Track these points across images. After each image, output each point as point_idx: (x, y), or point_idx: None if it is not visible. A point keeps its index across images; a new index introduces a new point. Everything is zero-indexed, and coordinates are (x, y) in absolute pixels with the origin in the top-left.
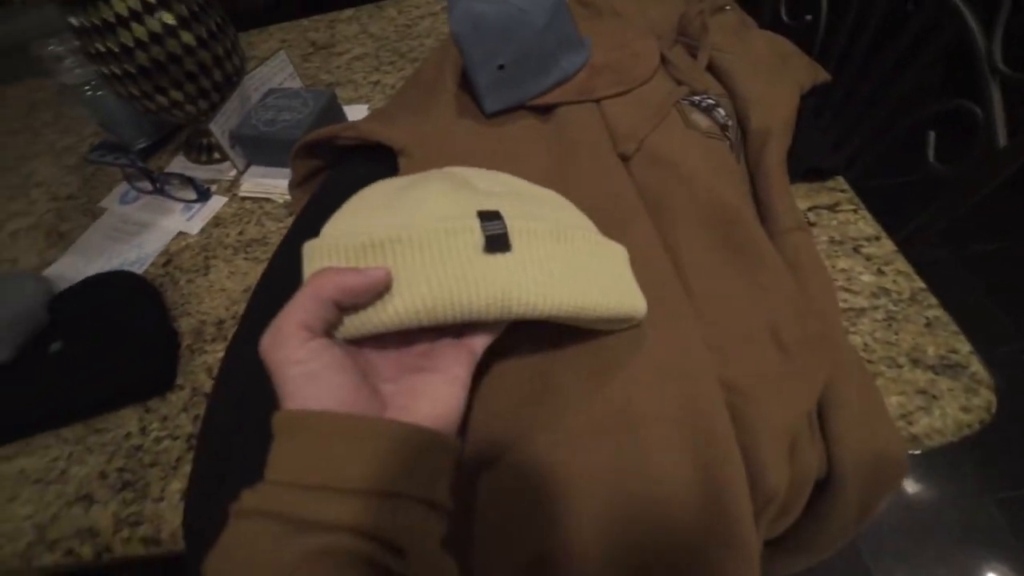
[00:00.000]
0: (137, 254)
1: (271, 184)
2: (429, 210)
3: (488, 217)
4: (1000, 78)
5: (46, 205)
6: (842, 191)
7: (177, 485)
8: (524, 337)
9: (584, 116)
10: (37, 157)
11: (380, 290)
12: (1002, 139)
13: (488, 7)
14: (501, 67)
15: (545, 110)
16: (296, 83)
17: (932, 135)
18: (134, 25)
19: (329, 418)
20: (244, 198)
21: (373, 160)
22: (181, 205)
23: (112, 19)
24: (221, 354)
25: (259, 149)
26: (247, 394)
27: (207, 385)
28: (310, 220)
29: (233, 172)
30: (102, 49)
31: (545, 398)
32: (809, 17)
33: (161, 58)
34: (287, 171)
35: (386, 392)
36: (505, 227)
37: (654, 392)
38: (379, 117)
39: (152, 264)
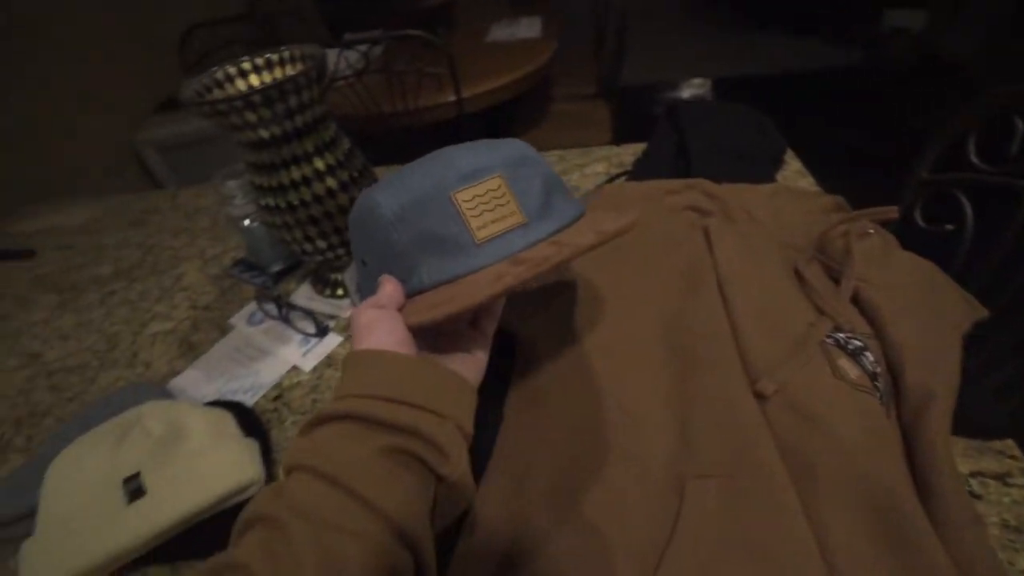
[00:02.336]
0: (252, 382)
1: None
2: (90, 482)
3: (129, 480)
4: None
5: (185, 312)
6: (1012, 457)
7: None
8: None
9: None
10: (188, 260)
11: None
12: None
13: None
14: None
15: None
16: None
17: None
18: (303, 188)
19: (393, 354)
20: None
21: None
22: (299, 336)
23: (287, 182)
24: None
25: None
26: None
27: None
28: None
29: (349, 312)
30: (273, 204)
31: None
32: (950, 227)
33: (317, 214)
34: None
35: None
36: (140, 483)
37: None
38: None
39: (264, 396)
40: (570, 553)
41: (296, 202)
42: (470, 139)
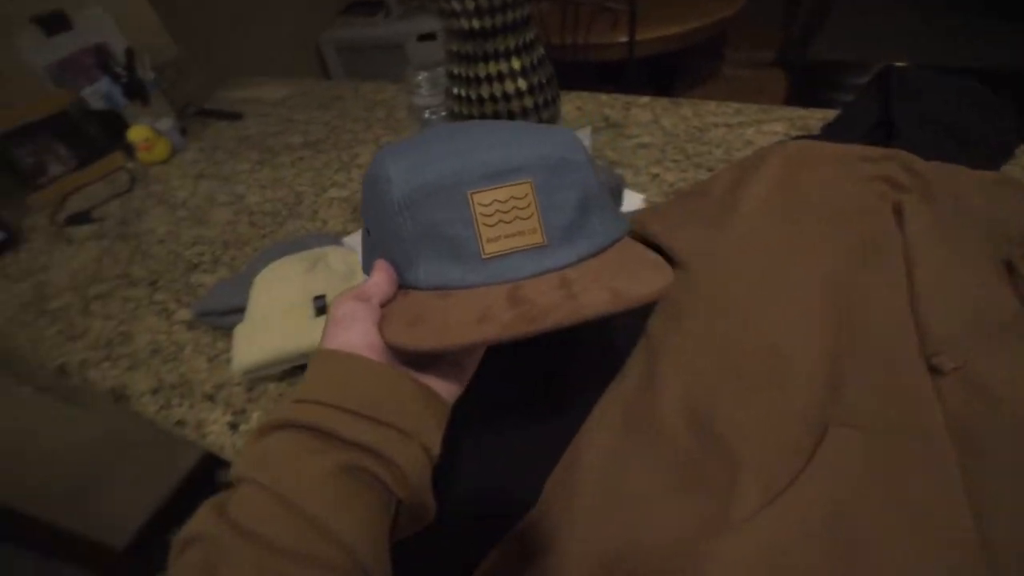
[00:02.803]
0: None
1: None
2: (287, 295)
3: (317, 298)
4: None
5: (359, 185)
6: None
7: None
8: None
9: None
10: (364, 144)
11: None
12: None
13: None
14: (368, 232)
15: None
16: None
17: None
18: (495, 84)
19: (365, 361)
20: None
21: None
22: None
23: (483, 75)
24: None
25: None
26: None
27: None
28: None
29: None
30: (464, 94)
31: None
32: None
33: (503, 111)
34: None
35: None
36: (326, 303)
37: None
38: (661, 220)
39: None
40: (697, 450)
41: (486, 96)
42: (633, 85)
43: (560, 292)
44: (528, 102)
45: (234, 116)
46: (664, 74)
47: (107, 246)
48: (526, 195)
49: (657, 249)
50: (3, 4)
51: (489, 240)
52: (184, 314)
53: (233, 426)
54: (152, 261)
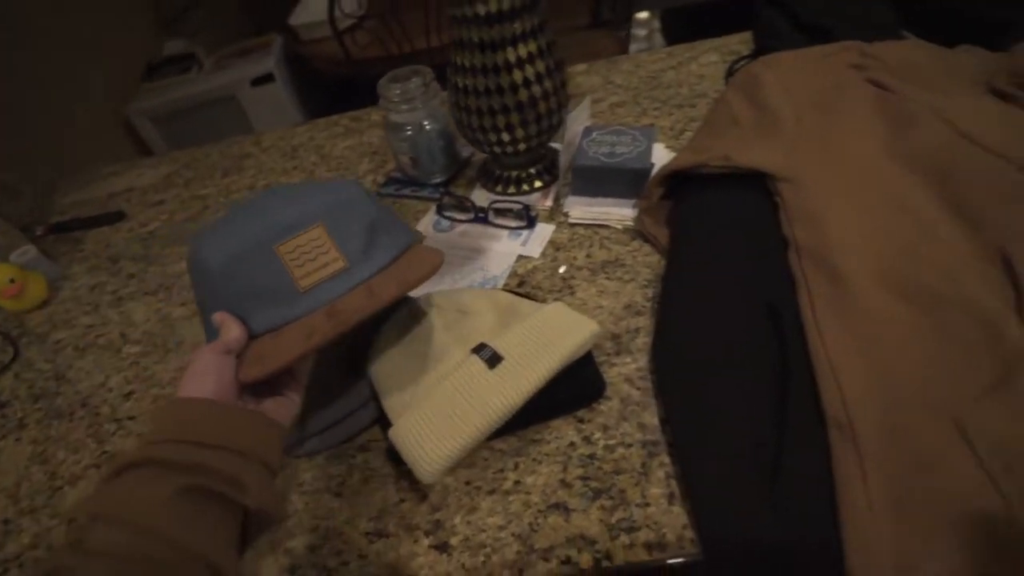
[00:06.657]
0: (483, 276)
1: (602, 212)
2: (445, 363)
3: (479, 349)
4: None
5: None
6: None
7: (656, 490)
8: None
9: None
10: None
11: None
12: None
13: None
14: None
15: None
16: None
17: None
18: (515, 70)
19: (206, 401)
20: (574, 224)
21: (726, 188)
22: (506, 232)
23: (501, 63)
24: (632, 364)
25: (597, 179)
26: (694, 395)
27: (633, 393)
28: (693, 239)
29: (548, 203)
30: (479, 87)
31: None
32: None
33: (524, 99)
34: (616, 200)
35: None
36: (493, 351)
37: None
38: (736, 147)
39: (504, 285)
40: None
41: (505, 85)
42: None
43: (364, 295)
44: (548, 85)
45: (115, 217)
46: None
47: (38, 436)
48: (320, 235)
49: (746, 173)
50: None
51: (301, 277)
52: None
53: None
54: (134, 424)
